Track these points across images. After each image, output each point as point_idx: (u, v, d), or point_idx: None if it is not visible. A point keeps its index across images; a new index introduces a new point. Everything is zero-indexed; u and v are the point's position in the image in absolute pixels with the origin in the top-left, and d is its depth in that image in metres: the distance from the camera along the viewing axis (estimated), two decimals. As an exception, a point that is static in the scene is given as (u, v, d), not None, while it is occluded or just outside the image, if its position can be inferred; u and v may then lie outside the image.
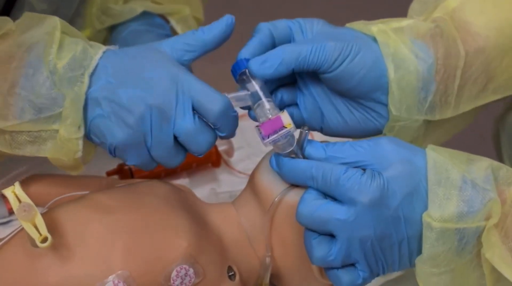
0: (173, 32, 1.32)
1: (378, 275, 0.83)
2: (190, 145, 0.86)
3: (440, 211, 0.79)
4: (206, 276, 0.89)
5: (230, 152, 1.25)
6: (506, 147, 1.08)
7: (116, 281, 0.84)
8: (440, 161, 0.81)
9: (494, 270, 0.80)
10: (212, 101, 0.84)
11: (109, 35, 1.31)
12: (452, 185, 0.79)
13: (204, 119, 0.86)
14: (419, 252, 0.81)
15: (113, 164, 1.20)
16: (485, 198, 0.79)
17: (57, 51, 0.86)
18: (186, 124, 0.84)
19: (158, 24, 1.31)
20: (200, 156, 0.87)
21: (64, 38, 0.87)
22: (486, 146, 1.16)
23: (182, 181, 1.22)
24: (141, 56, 0.87)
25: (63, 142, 0.86)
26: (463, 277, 0.81)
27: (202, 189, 1.22)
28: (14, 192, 0.83)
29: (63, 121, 0.85)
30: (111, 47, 0.89)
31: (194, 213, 0.93)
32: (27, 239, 0.86)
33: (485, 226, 0.79)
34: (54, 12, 1.16)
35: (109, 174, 1.20)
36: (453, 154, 0.82)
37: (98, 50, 0.87)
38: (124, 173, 1.19)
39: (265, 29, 0.89)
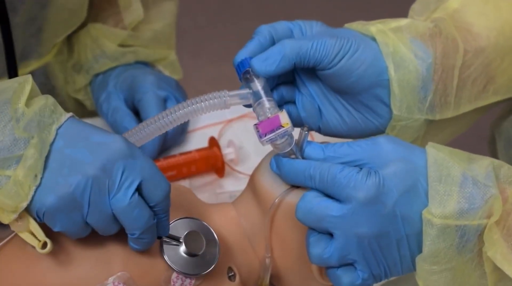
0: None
1: (380, 278, 0.83)
2: (121, 219, 0.81)
3: (441, 207, 0.79)
4: (206, 276, 0.89)
5: (235, 161, 1.25)
6: (502, 153, 1.08)
7: (116, 283, 0.84)
8: (440, 158, 0.81)
9: (495, 268, 0.80)
10: (159, 185, 0.82)
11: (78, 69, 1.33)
12: (453, 182, 0.80)
13: (145, 200, 0.82)
14: (420, 253, 0.81)
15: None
16: (486, 194, 0.79)
17: (26, 99, 0.80)
18: (121, 199, 0.79)
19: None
20: (132, 237, 0.82)
21: (33, 91, 0.82)
22: (486, 147, 1.16)
23: (182, 182, 1.22)
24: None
25: (15, 184, 0.78)
26: (463, 276, 0.81)
27: (202, 190, 1.22)
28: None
29: (22, 162, 0.78)
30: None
31: (194, 213, 0.93)
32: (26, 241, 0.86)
33: (487, 224, 0.79)
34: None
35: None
36: (454, 152, 0.83)
37: (68, 113, 0.83)
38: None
39: (264, 31, 0.89)
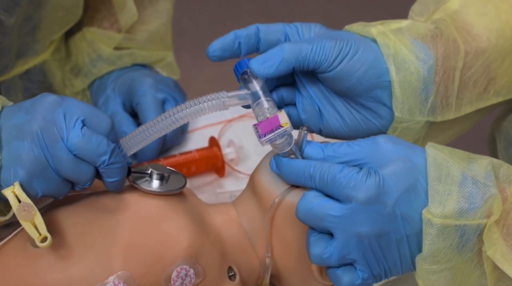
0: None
1: (380, 277, 0.83)
2: (85, 154, 0.84)
3: (441, 207, 0.79)
4: (206, 276, 0.89)
5: (236, 161, 1.25)
6: (502, 153, 1.08)
7: (116, 282, 0.85)
8: (440, 158, 0.81)
9: (495, 268, 0.80)
10: (101, 118, 0.85)
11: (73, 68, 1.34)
12: (453, 181, 0.80)
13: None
14: (420, 252, 0.81)
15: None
16: (486, 194, 0.79)
17: None
18: (74, 136, 0.83)
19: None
20: (104, 166, 0.85)
21: None
22: (486, 148, 1.16)
23: (182, 182, 1.22)
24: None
25: None
26: (463, 275, 0.82)
27: (202, 190, 1.22)
28: (14, 192, 0.83)
29: None
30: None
31: (194, 213, 0.93)
32: (27, 240, 0.87)
33: (486, 223, 0.79)
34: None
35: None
36: (453, 152, 0.83)
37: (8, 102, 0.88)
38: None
39: (253, 28, 0.89)
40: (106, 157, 0.84)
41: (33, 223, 0.82)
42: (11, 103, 0.88)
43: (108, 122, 0.86)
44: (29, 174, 0.83)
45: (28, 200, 0.83)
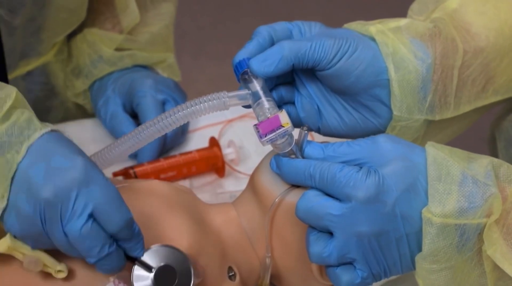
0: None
1: (380, 277, 0.83)
2: (78, 247, 0.79)
3: (441, 206, 0.79)
4: (207, 276, 0.89)
5: (236, 161, 1.25)
6: (502, 153, 1.08)
7: (116, 282, 0.84)
8: (440, 157, 0.81)
9: (495, 267, 0.80)
10: (115, 215, 0.79)
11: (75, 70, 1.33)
12: (453, 181, 0.80)
13: (103, 228, 0.80)
14: (420, 251, 0.81)
15: (119, 166, 1.20)
16: (486, 193, 0.80)
17: (1, 117, 0.80)
18: (73, 227, 0.78)
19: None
20: (91, 262, 0.80)
21: (17, 102, 0.82)
22: (486, 148, 1.16)
23: (182, 182, 1.22)
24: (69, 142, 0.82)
25: None
26: (463, 274, 0.82)
27: (202, 190, 1.22)
28: (11, 247, 0.81)
29: None
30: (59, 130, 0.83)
31: (194, 213, 0.93)
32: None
33: (486, 223, 0.79)
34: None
35: (115, 174, 1.19)
36: (453, 151, 0.83)
37: (45, 127, 0.81)
38: (128, 176, 1.19)
39: (263, 32, 0.89)
40: (93, 260, 0.80)
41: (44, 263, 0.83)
42: (51, 128, 0.81)
43: (120, 222, 0.79)
44: (23, 233, 0.80)
45: (32, 253, 0.82)
